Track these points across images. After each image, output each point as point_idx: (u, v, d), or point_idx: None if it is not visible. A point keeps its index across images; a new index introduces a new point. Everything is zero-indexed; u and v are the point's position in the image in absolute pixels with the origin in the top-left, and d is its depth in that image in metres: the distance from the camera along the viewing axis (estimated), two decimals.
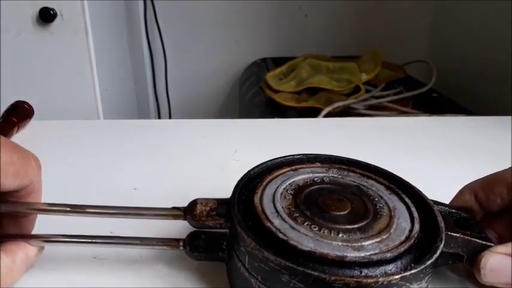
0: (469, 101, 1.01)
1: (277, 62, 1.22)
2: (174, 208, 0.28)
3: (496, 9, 1.02)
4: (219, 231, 0.27)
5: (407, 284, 0.22)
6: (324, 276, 0.21)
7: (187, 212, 0.28)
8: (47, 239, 0.27)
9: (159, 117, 1.47)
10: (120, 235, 0.28)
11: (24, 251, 0.26)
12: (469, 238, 0.26)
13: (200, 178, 0.41)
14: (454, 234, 0.26)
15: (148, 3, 1.32)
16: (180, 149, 0.48)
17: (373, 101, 0.93)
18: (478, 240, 0.26)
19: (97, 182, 0.40)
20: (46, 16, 0.84)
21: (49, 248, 0.29)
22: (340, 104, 0.88)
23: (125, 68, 1.23)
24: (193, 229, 0.28)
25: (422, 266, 0.22)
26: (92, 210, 0.28)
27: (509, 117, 0.58)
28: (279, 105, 0.92)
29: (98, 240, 0.28)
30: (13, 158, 0.23)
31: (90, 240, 0.28)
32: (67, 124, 0.57)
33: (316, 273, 0.21)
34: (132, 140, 0.51)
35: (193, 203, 0.28)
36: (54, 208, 0.27)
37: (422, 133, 0.55)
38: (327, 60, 1.11)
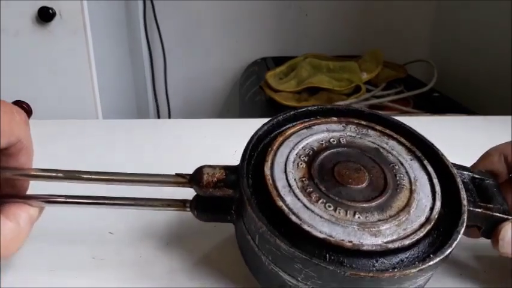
0: (470, 100, 1.01)
1: (278, 61, 1.21)
2: (178, 175, 0.26)
3: (496, 9, 1.02)
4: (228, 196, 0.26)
5: (424, 274, 0.22)
6: (338, 271, 0.20)
7: (193, 180, 0.26)
8: (47, 199, 0.26)
9: (158, 117, 1.46)
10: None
11: (26, 211, 0.25)
12: (490, 213, 0.25)
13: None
14: (476, 210, 0.25)
15: (148, 2, 1.32)
16: (180, 149, 0.48)
17: (374, 101, 0.93)
18: (498, 215, 0.25)
19: (86, 187, 0.40)
20: (45, 15, 0.84)
21: (49, 248, 0.29)
22: (341, 103, 0.87)
23: (124, 68, 1.23)
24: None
25: (441, 256, 0.22)
26: (88, 176, 0.26)
27: (510, 117, 0.58)
28: (279, 104, 0.92)
29: (100, 201, 0.26)
30: None
31: (91, 201, 0.26)
32: (65, 124, 0.57)
33: (331, 267, 0.20)
34: (131, 139, 0.51)
35: (199, 171, 0.26)
36: (47, 174, 0.26)
37: (423, 133, 0.55)
38: (327, 59, 1.10)
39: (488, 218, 0.25)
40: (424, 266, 0.21)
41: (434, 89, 1.02)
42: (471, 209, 0.25)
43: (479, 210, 0.25)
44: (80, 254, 0.30)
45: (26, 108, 0.53)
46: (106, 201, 0.27)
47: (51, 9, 0.84)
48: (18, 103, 0.53)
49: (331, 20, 1.37)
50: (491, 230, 0.25)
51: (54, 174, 0.26)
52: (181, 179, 0.26)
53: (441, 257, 0.22)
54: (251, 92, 1.11)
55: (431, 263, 0.21)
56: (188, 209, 0.26)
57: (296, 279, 0.22)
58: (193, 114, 1.48)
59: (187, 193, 0.27)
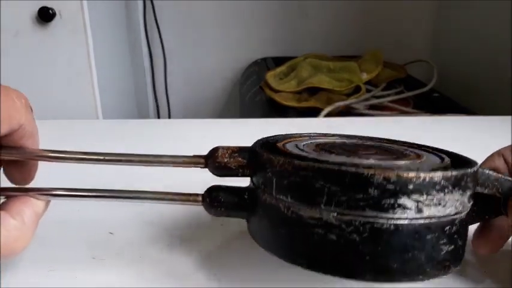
0: (470, 100, 1.01)
1: (278, 61, 1.21)
2: (195, 156, 0.26)
3: (496, 9, 1.02)
4: (239, 187, 0.26)
5: (448, 188, 0.21)
6: (361, 171, 0.20)
7: (209, 157, 0.26)
8: (50, 192, 0.25)
9: (158, 117, 1.46)
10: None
11: (31, 207, 0.23)
12: (503, 177, 0.24)
13: (200, 178, 0.41)
14: (488, 172, 0.24)
15: (148, 2, 1.32)
16: (180, 149, 0.48)
17: (374, 101, 0.93)
18: None
19: (95, 181, 0.40)
20: (45, 15, 0.84)
21: (49, 248, 0.29)
22: (341, 103, 0.87)
23: (124, 68, 1.23)
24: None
25: (465, 171, 0.21)
26: (101, 157, 0.26)
27: (510, 117, 0.58)
28: (279, 105, 0.92)
29: (108, 194, 0.26)
30: None
31: (98, 194, 0.26)
32: (66, 124, 0.57)
33: (353, 169, 0.20)
34: (131, 140, 0.50)
35: (215, 149, 0.26)
36: (57, 155, 0.25)
37: (423, 133, 0.55)
38: (327, 59, 1.10)
39: (503, 183, 0.24)
40: (447, 173, 0.21)
41: (434, 89, 1.02)
42: (486, 171, 0.24)
43: (491, 172, 0.24)
44: (80, 254, 0.30)
45: None
46: (115, 195, 0.26)
47: (51, 9, 0.84)
48: None
49: (331, 20, 1.37)
50: (507, 201, 0.24)
51: (63, 155, 0.25)
52: (198, 159, 0.26)
53: (465, 171, 0.21)
54: (251, 92, 1.11)
55: (454, 172, 0.21)
56: (201, 202, 0.26)
57: (319, 208, 0.21)
58: (193, 114, 1.48)
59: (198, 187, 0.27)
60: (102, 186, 0.26)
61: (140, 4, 1.33)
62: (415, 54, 1.21)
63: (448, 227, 0.22)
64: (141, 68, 1.39)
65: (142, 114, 1.39)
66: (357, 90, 0.94)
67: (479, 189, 0.24)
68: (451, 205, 0.21)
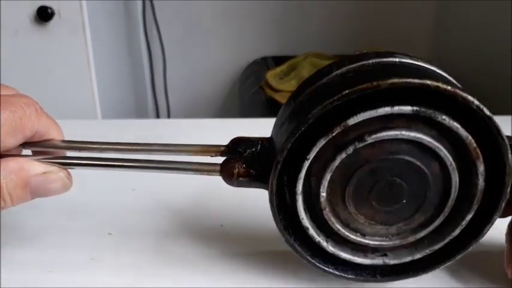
0: None
1: (278, 60, 1.21)
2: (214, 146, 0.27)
3: (496, 9, 1.02)
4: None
5: None
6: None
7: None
8: (54, 159, 0.25)
9: (158, 117, 1.46)
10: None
11: (17, 163, 0.23)
12: None
13: (200, 178, 0.40)
14: None
15: (148, 2, 1.32)
16: None
17: None
18: None
19: (95, 181, 0.40)
20: (44, 15, 0.84)
21: (49, 248, 0.29)
22: None
23: (123, 68, 1.23)
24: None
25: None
26: (118, 147, 0.27)
27: (510, 117, 0.58)
28: (279, 104, 0.91)
29: (124, 164, 0.26)
30: (4, 116, 0.22)
31: (114, 164, 0.26)
32: (64, 124, 0.56)
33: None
34: (131, 139, 0.50)
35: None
36: (71, 145, 0.26)
37: None
38: (328, 59, 1.10)
39: None
40: None
41: None
42: None
43: None
44: (79, 255, 0.29)
45: None
46: (130, 164, 0.26)
47: (50, 8, 0.84)
48: None
49: (331, 20, 1.36)
50: None
51: (78, 145, 0.27)
52: (219, 148, 0.26)
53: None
54: (251, 92, 1.11)
55: None
56: (219, 173, 0.26)
57: None
58: (193, 114, 1.48)
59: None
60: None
61: (140, 4, 1.32)
62: (415, 54, 1.21)
63: None
64: (140, 68, 1.39)
65: (141, 114, 1.39)
66: None
67: None
68: None
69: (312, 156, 0.22)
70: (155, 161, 0.26)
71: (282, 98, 0.93)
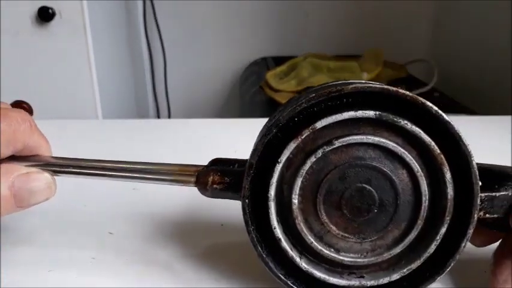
0: (470, 100, 1.01)
1: (278, 61, 1.21)
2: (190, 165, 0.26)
3: (496, 9, 1.02)
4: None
5: None
6: None
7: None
8: (38, 163, 0.25)
9: (158, 117, 1.46)
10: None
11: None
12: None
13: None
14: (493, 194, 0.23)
15: (148, 2, 1.32)
16: (180, 149, 0.48)
17: None
18: None
19: (95, 181, 0.40)
20: (45, 15, 0.84)
21: (48, 248, 0.29)
22: None
23: (123, 68, 1.23)
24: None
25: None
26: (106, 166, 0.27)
27: (510, 117, 0.58)
28: (279, 104, 0.92)
29: (106, 172, 0.26)
30: (2, 128, 0.23)
31: (98, 172, 0.27)
32: (66, 124, 0.56)
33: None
34: (131, 139, 0.50)
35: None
36: (60, 162, 0.26)
37: None
38: (327, 59, 1.10)
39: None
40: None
41: (434, 89, 1.02)
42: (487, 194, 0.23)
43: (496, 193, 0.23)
44: (79, 254, 0.29)
45: (26, 108, 0.53)
46: (111, 173, 0.27)
47: (51, 9, 0.84)
48: (19, 103, 0.52)
49: (331, 20, 1.36)
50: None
51: (64, 162, 0.27)
52: (198, 168, 0.26)
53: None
54: (251, 92, 1.11)
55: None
56: (193, 184, 0.26)
57: None
58: (193, 114, 1.48)
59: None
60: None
61: (140, 4, 1.33)
62: (416, 54, 1.21)
63: None
64: (140, 68, 1.39)
65: (142, 114, 1.39)
66: None
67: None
68: None
69: (284, 160, 0.22)
70: (135, 170, 0.27)
71: (282, 98, 0.93)
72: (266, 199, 0.23)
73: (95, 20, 0.90)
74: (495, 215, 0.23)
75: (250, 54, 1.39)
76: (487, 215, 0.23)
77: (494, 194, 0.23)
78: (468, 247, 0.25)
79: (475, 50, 1.11)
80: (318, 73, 1.02)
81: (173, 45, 1.39)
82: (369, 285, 0.23)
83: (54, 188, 0.25)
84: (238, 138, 0.50)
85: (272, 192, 0.23)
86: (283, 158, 0.22)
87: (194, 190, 0.27)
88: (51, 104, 0.88)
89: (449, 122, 0.22)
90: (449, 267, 0.23)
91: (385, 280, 0.23)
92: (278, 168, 0.22)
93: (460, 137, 0.22)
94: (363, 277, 0.24)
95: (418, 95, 0.27)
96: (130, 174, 0.27)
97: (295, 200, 0.22)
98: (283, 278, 0.23)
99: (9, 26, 0.85)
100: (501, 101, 0.95)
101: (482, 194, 0.23)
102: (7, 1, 0.83)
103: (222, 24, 1.39)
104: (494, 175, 0.25)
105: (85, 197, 0.35)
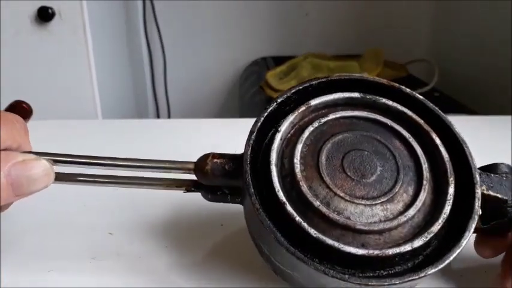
0: (470, 100, 1.01)
1: (278, 61, 1.21)
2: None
3: (497, 8, 1.02)
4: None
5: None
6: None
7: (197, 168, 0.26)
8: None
9: (158, 117, 1.46)
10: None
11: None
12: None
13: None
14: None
15: (148, 2, 1.32)
16: (180, 149, 0.48)
17: None
18: None
19: None
20: (44, 15, 0.84)
21: (48, 248, 0.29)
22: None
23: (123, 68, 1.23)
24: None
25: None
26: (95, 161, 0.26)
27: (510, 117, 0.58)
28: None
29: (100, 179, 0.26)
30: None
31: (91, 179, 0.26)
32: (65, 124, 0.56)
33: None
34: (131, 139, 0.50)
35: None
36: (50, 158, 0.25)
37: None
38: (327, 59, 1.10)
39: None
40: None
41: (435, 89, 1.02)
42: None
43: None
44: (79, 255, 0.29)
45: (26, 108, 0.53)
46: (105, 180, 0.26)
47: (51, 8, 0.84)
48: (19, 103, 0.52)
49: (331, 20, 1.36)
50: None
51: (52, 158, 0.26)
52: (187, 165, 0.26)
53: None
54: (251, 92, 1.11)
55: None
56: (193, 189, 0.26)
57: None
58: (193, 114, 1.48)
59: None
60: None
61: (140, 4, 1.33)
62: (416, 54, 1.21)
63: None
64: (140, 68, 1.39)
65: (141, 114, 1.39)
66: None
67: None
68: None
69: (283, 130, 0.24)
70: (129, 177, 0.27)
71: None
72: (268, 164, 0.23)
73: (95, 20, 0.90)
74: (498, 195, 0.25)
75: (250, 54, 1.38)
76: (490, 192, 0.25)
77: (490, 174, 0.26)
78: (468, 248, 0.25)
79: (476, 50, 1.11)
80: (318, 73, 1.02)
81: (173, 45, 1.39)
82: (390, 253, 0.22)
83: (53, 175, 0.24)
84: (238, 138, 0.50)
85: (274, 155, 0.23)
86: (283, 128, 0.24)
87: None
88: (51, 104, 0.88)
89: (424, 100, 0.27)
90: (467, 240, 0.22)
91: (407, 247, 0.22)
92: (278, 136, 0.24)
93: (437, 109, 0.26)
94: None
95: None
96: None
97: (298, 165, 0.23)
98: (291, 247, 0.21)
99: (8, 26, 0.85)
100: (501, 101, 0.95)
101: (479, 171, 0.25)
102: (7, 1, 0.83)
103: (222, 24, 1.38)
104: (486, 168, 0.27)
105: (85, 197, 0.35)
